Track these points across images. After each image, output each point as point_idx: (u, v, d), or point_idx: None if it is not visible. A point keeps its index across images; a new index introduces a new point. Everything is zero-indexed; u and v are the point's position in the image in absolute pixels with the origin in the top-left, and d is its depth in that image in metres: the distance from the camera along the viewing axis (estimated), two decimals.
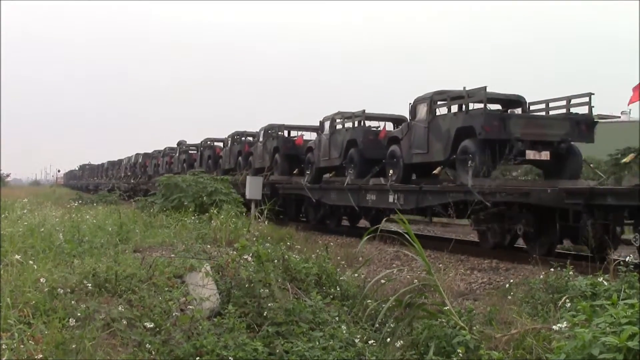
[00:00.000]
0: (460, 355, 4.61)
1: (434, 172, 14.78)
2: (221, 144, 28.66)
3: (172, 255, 7.32)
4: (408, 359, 5.02)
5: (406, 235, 6.06)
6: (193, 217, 12.79)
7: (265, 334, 5.35)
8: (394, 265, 10.63)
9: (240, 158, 25.25)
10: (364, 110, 17.23)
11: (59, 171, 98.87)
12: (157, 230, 10.67)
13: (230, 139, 27.03)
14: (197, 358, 4.73)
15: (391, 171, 15.32)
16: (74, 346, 4.36)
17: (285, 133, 22.60)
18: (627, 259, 6.57)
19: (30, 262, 6.10)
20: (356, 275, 8.14)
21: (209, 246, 8.79)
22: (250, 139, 24.94)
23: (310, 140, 20.88)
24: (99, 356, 4.44)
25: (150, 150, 40.07)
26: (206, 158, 29.62)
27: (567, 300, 5.75)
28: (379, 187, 15.59)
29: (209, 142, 30.10)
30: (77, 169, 78.87)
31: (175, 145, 35.17)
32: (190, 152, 32.70)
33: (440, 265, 9.81)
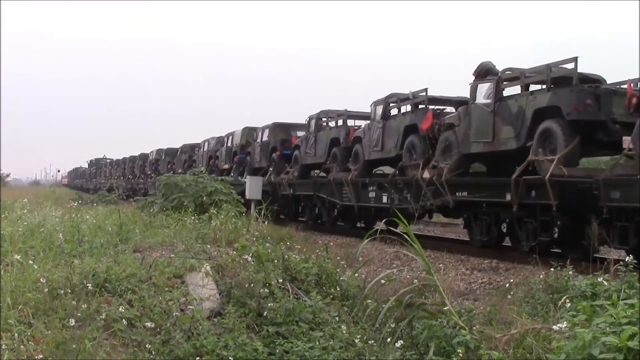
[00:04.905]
0: (460, 355, 4.61)
1: None
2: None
3: (172, 255, 7.31)
4: (408, 359, 5.02)
5: (406, 235, 6.06)
6: (193, 217, 12.77)
7: (266, 334, 5.36)
8: (394, 265, 10.62)
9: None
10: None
11: (58, 171, 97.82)
12: (157, 230, 10.66)
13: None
14: (197, 358, 4.73)
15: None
16: (74, 346, 4.35)
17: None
18: (627, 259, 6.58)
19: (30, 262, 6.09)
20: (356, 275, 8.12)
21: (208, 246, 8.78)
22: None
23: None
24: (99, 356, 4.44)
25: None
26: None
27: (567, 300, 5.74)
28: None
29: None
30: (87, 165, 64.53)
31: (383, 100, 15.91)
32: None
33: (440, 265, 9.80)
